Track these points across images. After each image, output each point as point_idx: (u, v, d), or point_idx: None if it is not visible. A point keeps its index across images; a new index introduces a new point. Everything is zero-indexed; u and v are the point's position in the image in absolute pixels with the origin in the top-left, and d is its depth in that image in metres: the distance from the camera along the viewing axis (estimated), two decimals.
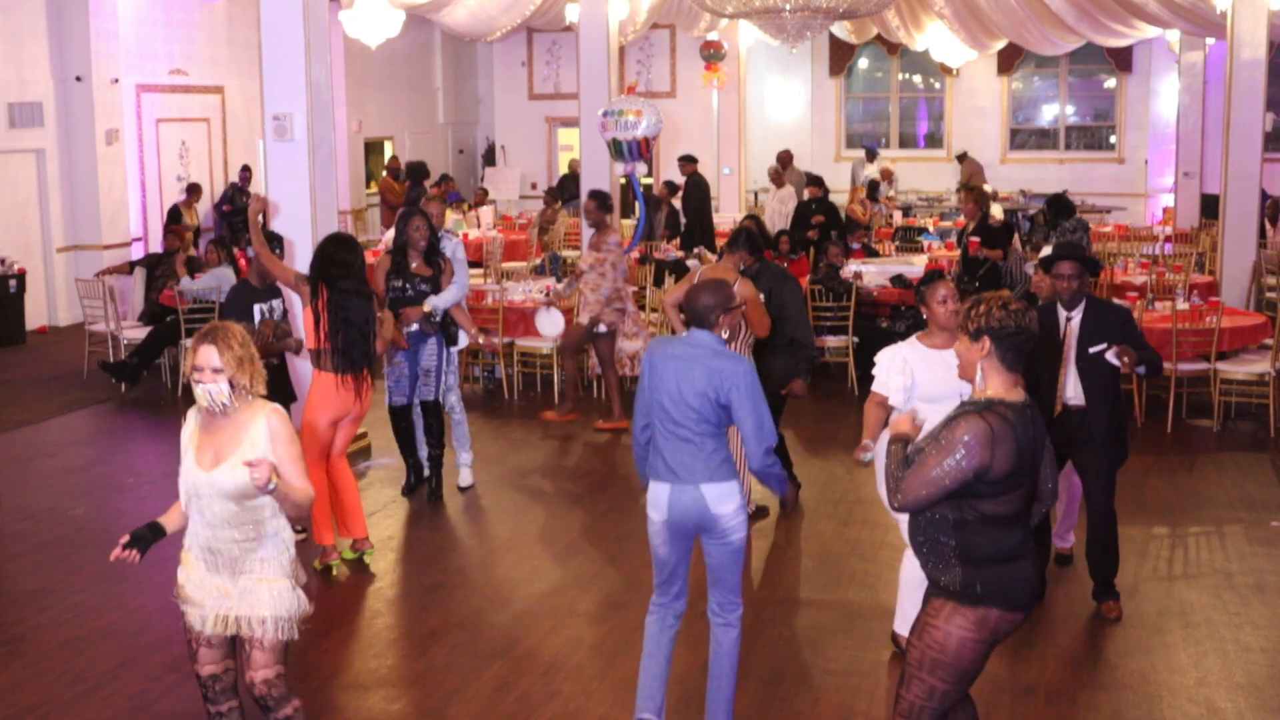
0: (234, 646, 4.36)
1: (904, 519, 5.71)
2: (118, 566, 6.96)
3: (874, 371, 5.72)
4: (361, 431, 9.00)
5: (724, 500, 4.70)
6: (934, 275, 5.80)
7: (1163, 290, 11.65)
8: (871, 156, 20.15)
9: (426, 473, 8.24)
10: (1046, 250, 7.21)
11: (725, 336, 4.89)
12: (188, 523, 4.30)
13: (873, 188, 18.33)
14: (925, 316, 5.67)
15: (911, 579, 5.80)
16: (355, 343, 6.70)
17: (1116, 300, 11.01)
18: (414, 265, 7.79)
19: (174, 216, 15.48)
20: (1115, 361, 5.96)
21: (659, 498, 4.76)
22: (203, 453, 4.17)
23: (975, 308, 3.92)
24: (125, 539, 4.23)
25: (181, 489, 4.24)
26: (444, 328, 7.88)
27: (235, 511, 4.18)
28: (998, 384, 3.89)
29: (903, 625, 5.78)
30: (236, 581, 4.24)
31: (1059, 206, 12.19)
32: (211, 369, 4.08)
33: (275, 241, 7.50)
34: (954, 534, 3.85)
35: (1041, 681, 5.58)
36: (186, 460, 4.22)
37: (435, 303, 7.82)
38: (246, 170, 16.94)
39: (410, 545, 7.53)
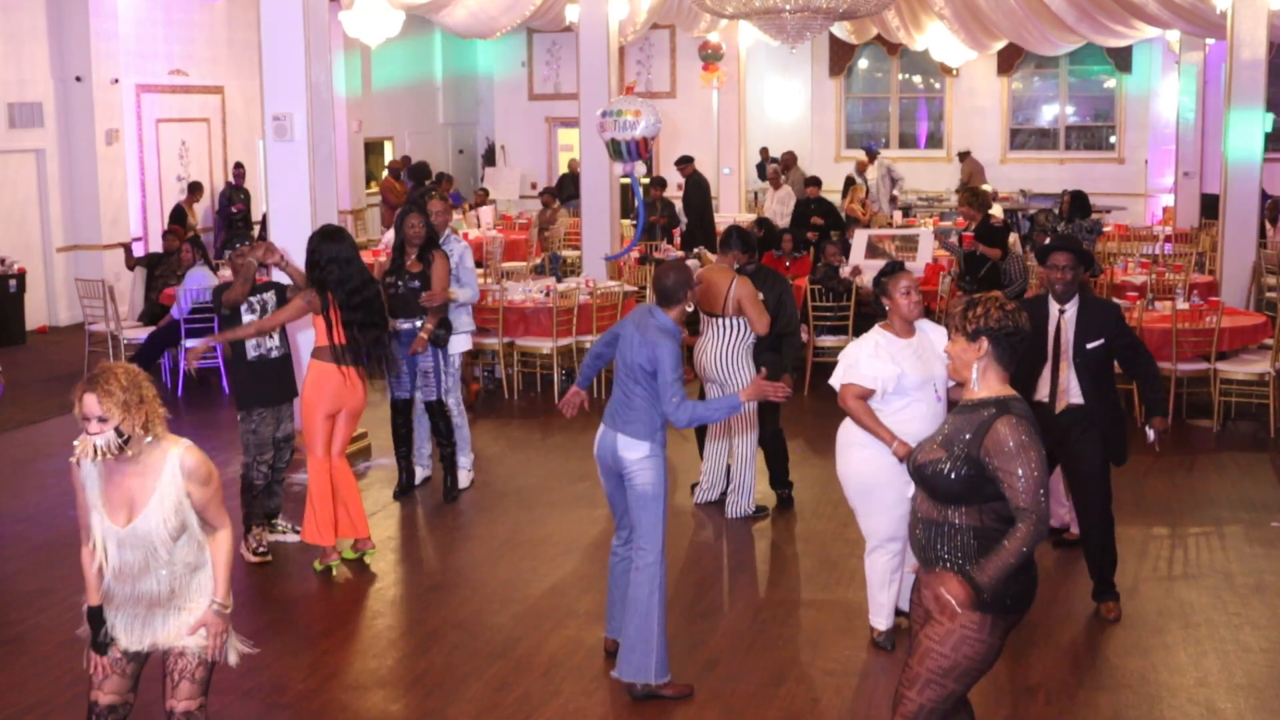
0: (137, 680, 4.22)
1: (876, 524, 5.75)
2: None
3: (846, 364, 5.64)
4: (361, 431, 9.00)
5: (630, 449, 5.41)
6: (895, 266, 5.78)
7: (1163, 290, 11.64)
8: (872, 157, 20.09)
9: (428, 474, 8.24)
10: None
11: (691, 310, 5.55)
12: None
13: (848, 184, 18.32)
14: (887, 308, 5.67)
15: (869, 570, 5.89)
16: (365, 337, 6.74)
17: (1115, 300, 11.02)
18: (408, 262, 7.80)
19: (178, 216, 15.50)
20: (1152, 437, 6.23)
21: (598, 434, 5.58)
22: (114, 507, 3.96)
23: (972, 309, 3.97)
24: (95, 656, 4.11)
25: (96, 541, 4.01)
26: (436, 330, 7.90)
27: (162, 555, 4.00)
28: (993, 382, 3.95)
29: (872, 616, 5.96)
30: (169, 613, 4.09)
31: (1079, 204, 12.25)
32: (96, 419, 3.81)
33: (243, 239, 7.32)
34: (975, 543, 3.84)
35: (1042, 681, 5.58)
36: (96, 515, 3.98)
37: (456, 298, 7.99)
38: (240, 167, 16.94)
39: (410, 545, 7.53)
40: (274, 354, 7.02)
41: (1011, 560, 3.78)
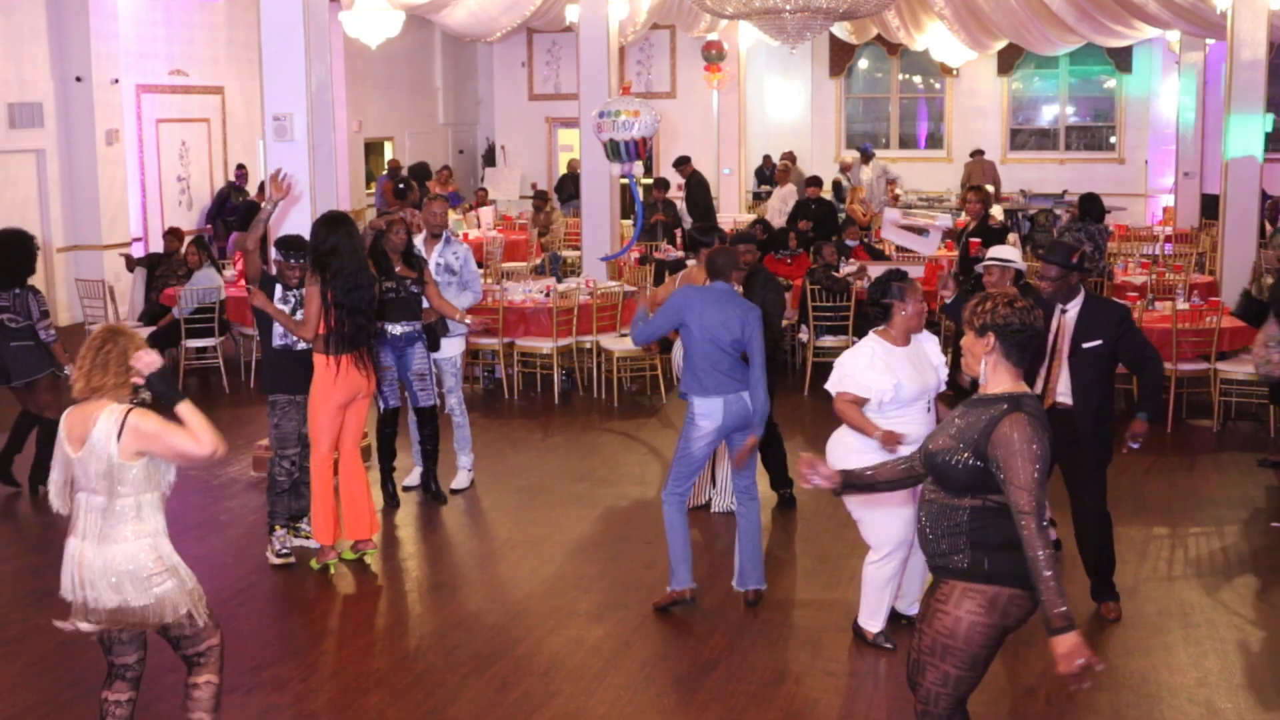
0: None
1: (887, 530, 5.75)
2: None
3: (842, 372, 5.69)
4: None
5: (761, 408, 6.24)
6: (905, 274, 5.87)
7: (1163, 290, 11.65)
8: (867, 158, 20.02)
9: (418, 478, 8.23)
10: (1002, 250, 7.15)
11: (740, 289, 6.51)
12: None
13: (836, 187, 18.28)
14: (892, 314, 5.72)
15: (875, 578, 5.86)
16: (351, 322, 6.75)
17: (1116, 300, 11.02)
18: (399, 268, 7.80)
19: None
20: (1132, 440, 6.12)
21: (714, 409, 6.17)
22: None
23: (981, 304, 3.99)
24: None
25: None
26: (428, 331, 7.90)
27: None
28: (1004, 379, 3.95)
29: (866, 619, 5.93)
30: None
31: (1091, 207, 12.00)
32: None
33: (297, 247, 7.29)
34: (968, 520, 3.88)
35: (1041, 681, 5.58)
36: None
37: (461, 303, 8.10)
38: (242, 168, 16.94)
39: (410, 545, 7.53)
40: (298, 346, 7.01)
41: (1039, 566, 3.69)
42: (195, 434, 4.26)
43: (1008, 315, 3.92)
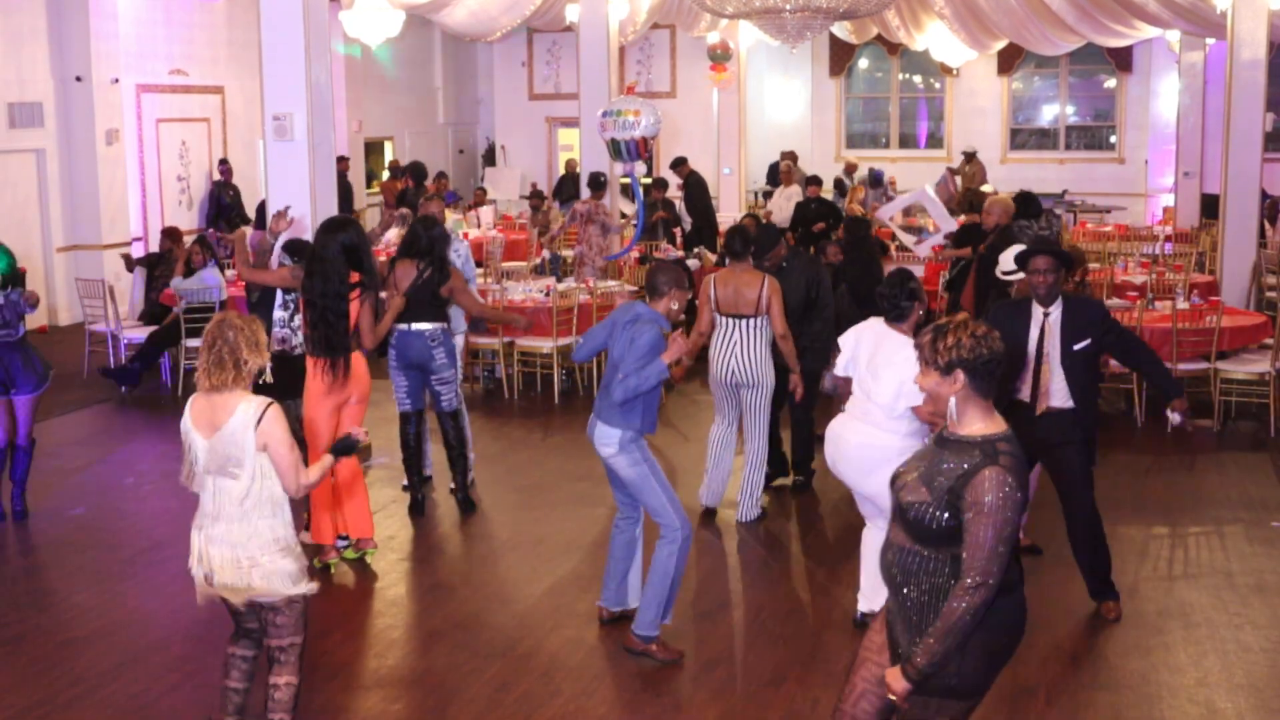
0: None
1: (870, 498, 5.70)
2: (118, 566, 6.99)
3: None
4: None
5: (604, 443, 5.74)
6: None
7: (1163, 290, 11.64)
8: (876, 182, 19.63)
9: (429, 473, 8.24)
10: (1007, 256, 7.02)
11: (675, 308, 5.79)
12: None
13: (838, 185, 18.24)
14: (910, 313, 5.80)
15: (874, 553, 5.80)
16: (318, 325, 6.68)
17: (1116, 300, 11.02)
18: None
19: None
20: (1178, 420, 6.22)
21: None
22: None
23: (942, 339, 3.58)
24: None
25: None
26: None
27: None
28: (976, 416, 3.61)
29: (868, 603, 5.90)
30: None
31: (1026, 205, 10.80)
32: None
33: (300, 251, 7.31)
34: (949, 570, 3.57)
35: (1041, 681, 5.58)
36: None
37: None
38: (225, 163, 16.90)
39: (410, 545, 7.52)
40: (296, 351, 7.00)
41: (953, 635, 3.48)
42: (300, 471, 4.54)
43: (974, 347, 3.54)
